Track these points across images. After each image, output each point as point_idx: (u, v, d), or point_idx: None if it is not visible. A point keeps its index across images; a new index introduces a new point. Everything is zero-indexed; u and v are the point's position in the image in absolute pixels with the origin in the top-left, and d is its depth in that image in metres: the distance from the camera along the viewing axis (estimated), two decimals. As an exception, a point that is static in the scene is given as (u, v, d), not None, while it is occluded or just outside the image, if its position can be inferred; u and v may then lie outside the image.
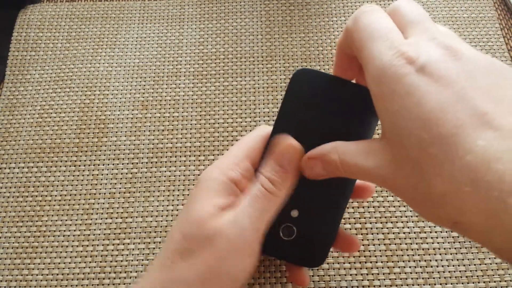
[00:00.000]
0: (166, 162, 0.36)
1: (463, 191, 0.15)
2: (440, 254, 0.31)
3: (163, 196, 0.34)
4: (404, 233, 0.32)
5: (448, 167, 0.15)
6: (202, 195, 0.22)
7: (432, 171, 0.16)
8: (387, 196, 0.33)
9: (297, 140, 0.23)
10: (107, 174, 0.35)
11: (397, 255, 0.31)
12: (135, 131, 0.37)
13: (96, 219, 0.33)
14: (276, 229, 0.24)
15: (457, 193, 0.15)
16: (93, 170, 0.36)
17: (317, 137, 0.22)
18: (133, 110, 0.38)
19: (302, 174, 0.23)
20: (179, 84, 0.39)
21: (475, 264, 0.30)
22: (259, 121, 0.37)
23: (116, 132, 0.37)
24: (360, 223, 0.32)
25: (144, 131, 0.37)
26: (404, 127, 0.16)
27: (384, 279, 0.30)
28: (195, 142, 0.37)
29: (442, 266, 0.30)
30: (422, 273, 0.30)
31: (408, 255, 0.31)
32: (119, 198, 0.34)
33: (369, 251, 0.31)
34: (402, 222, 0.32)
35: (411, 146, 0.16)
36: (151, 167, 0.35)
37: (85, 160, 0.36)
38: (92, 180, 0.35)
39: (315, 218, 0.24)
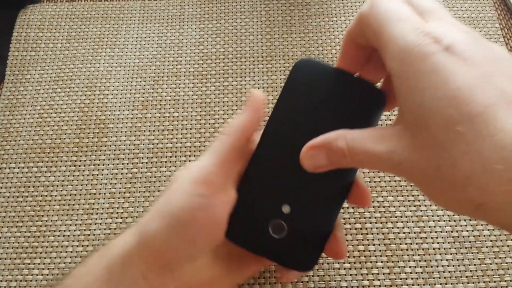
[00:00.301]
0: (166, 162, 0.36)
1: (492, 170, 0.15)
2: (440, 254, 0.31)
3: (163, 196, 0.34)
4: (404, 233, 0.32)
5: (477, 146, 0.15)
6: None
7: (459, 150, 0.15)
8: (387, 196, 0.33)
9: (294, 132, 0.23)
10: (107, 174, 0.35)
11: (397, 255, 0.31)
12: (135, 131, 0.37)
13: (96, 219, 0.33)
14: (265, 224, 0.23)
15: (485, 173, 0.15)
16: (93, 170, 0.36)
17: (317, 128, 0.21)
18: (133, 110, 0.38)
19: (296, 168, 0.22)
20: (179, 84, 0.39)
21: (475, 264, 0.30)
22: (259, 121, 0.37)
23: (116, 132, 0.37)
24: (360, 223, 0.32)
25: (144, 131, 0.37)
26: (430, 106, 0.16)
27: (384, 279, 0.30)
28: (195, 142, 0.37)
29: (442, 266, 0.30)
30: (422, 273, 0.30)
31: (408, 255, 0.31)
32: (119, 198, 0.34)
33: (369, 251, 0.31)
34: (402, 222, 0.32)
35: (436, 125, 0.16)
36: (151, 167, 0.35)
37: (85, 160, 0.36)
38: (92, 180, 0.35)
39: (308, 216, 0.23)
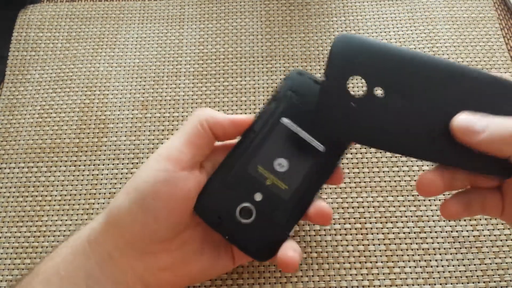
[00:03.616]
0: (166, 162, 0.36)
1: None
2: (440, 254, 0.31)
3: (163, 196, 0.34)
4: (404, 233, 0.32)
5: None
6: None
7: None
8: (387, 196, 0.33)
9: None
10: (107, 174, 0.35)
11: (397, 255, 0.31)
12: (135, 131, 0.37)
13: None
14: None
15: None
16: (93, 170, 0.36)
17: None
18: (133, 110, 0.38)
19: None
20: (179, 84, 0.39)
21: (475, 264, 0.30)
22: (259, 121, 0.37)
23: (116, 132, 0.37)
24: (360, 223, 0.32)
25: (144, 131, 0.37)
26: None
27: (384, 279, 0.30)
28: (195, 142, 0.37)
29: (442, 266, 0.30)
30: (422, 273, 0.30)
31: (408, 255, 0.31)
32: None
33: (369, 251, 0.31)
34: (402, 222, 0.32)
35: None
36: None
37: (85, 160, 0.36)
38: (92, 180, 0.35)
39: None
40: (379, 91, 0.22)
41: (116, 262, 0.23)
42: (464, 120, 0.21)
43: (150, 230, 0.23)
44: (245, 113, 0.37)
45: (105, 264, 0.23)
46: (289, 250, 0.23)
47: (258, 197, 0.24)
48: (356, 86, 0.36)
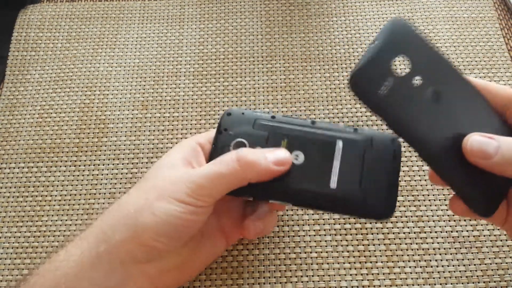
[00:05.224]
0: (166, 162, 0.36)
1: None
2: (440, 254, 0.31)
3: (163, 196, 0.34)
4: (404, 233, 0.32)
5: None
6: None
7: None
8: (387, 196, 0.33)
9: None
10: (107, 174, 0.35)
11: (397, 255, 0.31)
12: (135, 131, 0.37)
13: (96, 219, 0.33)
14: None
15: None
16: (93, 170, 0.36)
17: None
18: (133, 110, 0.38)
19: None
20: (179, 84, 0.39)
21: (475, 264, 0.30)
22: (259, 121, 0.37)
23: (116, 132, 0.37)
24: (360, 223, 0.32)
25: (144, 131, 0.37)
26: None
27: (384, 279, 0.30)
28: (195, 142, 0.37)
29: (442, 266, 0.30)
30: (422, 273, 0.30)
31: (408, 255, 0.31)
32: (119, 198, 0.34)
33: (369, 251, 0.31)
34: (402, 222, 0.32)
35: None
36: (151, 167, 0.35)
37: (85, 160, 0.36)
38: (92, 180, 0.35)
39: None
40: (417, 81, 0.22)
41: (127, 268, 0.23)
42: (476, 141, 0.21)
43: (171, 246, 0.24)
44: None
45: (114, 272, 0.23)
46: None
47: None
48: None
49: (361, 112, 0.37)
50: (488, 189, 0.22)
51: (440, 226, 0.32)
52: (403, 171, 0.34)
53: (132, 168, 0.36)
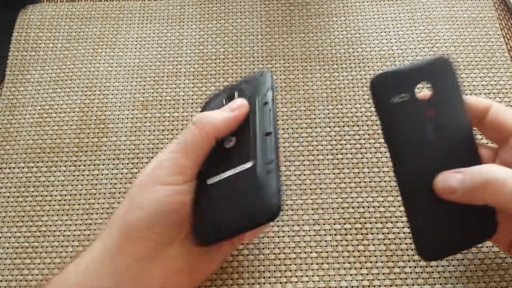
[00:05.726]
0: (166, 162, 0.36)
1: None
2: (440, 254, 0.31)
3: (163, 196, 0.34)
4: (404, 233, 0.32)
5: None
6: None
7: None
8: (387, 196, 0.33)
9: None
10: (107, 174, 0.35)
11: (397, 255, 0.31)
12: (135, 131, 0.37)
13: (96, 219, 0.33)
14: None
15: None
16: (93, 170, 0.36)
17: None
18: (133, 110, 0.38)
19: None
20: (179, 84, 0.39)
21: (475, 264, 0.30)
22: (259, 121, 0.37)
23: (116, 132, 0.37)
24: (360, 223, 0.32)
25: (144, 131, 0.37)
26: None
27: (384, 279, 0.30)
28: (195, 142, 0.37)
29: (442, 266, 0.30)
30: (422, 273, 0.30)
31: (408, 255, 0.31)
32: (119, 198, 0.34)
33: (369, 251, 0.31)
34: (402, 222, 0.32)
35: None
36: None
37: (85, 160, 0.36)
38: (92, 180, 0.35)
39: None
40: (428, 109, 0.24)
41: (132, 270, 0.24)
42: (442, 177, 0.23)
43: (167, 236, 0.24)
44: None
45: (122, 277, 0.24)
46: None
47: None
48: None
49: (361, 112, 0.37)
50: (445, 233, 0.24)
51: None
52: (403, 171, 0.34)
53: (132, 168, 0.36)
